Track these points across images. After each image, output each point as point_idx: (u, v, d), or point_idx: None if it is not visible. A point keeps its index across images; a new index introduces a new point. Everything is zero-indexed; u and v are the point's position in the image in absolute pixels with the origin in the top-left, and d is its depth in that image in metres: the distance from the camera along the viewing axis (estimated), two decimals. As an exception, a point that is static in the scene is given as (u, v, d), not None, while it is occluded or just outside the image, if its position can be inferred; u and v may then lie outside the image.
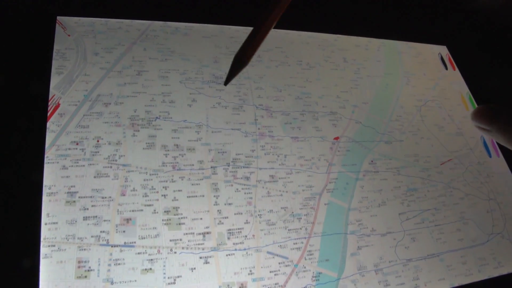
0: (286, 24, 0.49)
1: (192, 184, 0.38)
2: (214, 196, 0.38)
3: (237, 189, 0.39)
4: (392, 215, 0.43)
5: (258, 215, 0.38)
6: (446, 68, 0.56)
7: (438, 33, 0.58)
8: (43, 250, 0.32)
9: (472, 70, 0.57)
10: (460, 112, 0.53)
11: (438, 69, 0.56)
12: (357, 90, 0.49)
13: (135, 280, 0.33)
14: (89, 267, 0.32)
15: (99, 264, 0.33)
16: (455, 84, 0.55)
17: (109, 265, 0.33)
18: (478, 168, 0.50)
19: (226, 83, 0.31)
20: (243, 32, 0.48)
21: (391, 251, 0.41)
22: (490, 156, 0.51)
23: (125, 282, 0.33)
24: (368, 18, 0.54)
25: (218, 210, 0.37)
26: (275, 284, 0.36)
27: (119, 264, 0.33)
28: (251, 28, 0.48)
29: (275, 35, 0.49)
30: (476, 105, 0.54)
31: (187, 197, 0.37)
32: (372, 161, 0.45)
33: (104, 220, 0.34)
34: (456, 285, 0.42)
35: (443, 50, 0.58)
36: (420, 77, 0.54)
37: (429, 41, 0.57)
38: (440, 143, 0.50)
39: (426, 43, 0.58)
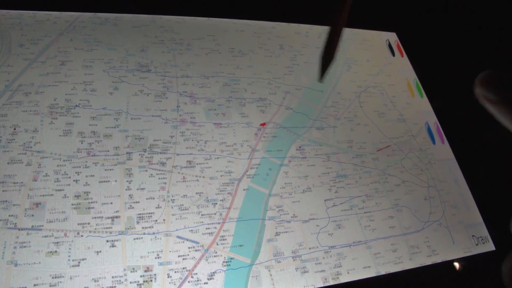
0: (220, 12, 0.50)
1: (106, 170, 0.38)
2: (127, 181, 0.38)
3: (151, 174, 0.39)
4: (317, 202, 0.42)
5: (171, 200, 0.38)
6: (393, 55, 0.55)
7: (388, 19, 0.56)
8: (-51, 233, 0.33)
9: (422, 57, 0.55)
10: (404, 98, 0.52)
11: (384, 55, 0.55)
12: (290, 76, 0.48)
13: (39, 262, 0.33)
14: (-6, 250, 0.33)
15: (4, 247, 0.33)
16: (401, 71, 0.54)
17: (15, 247, 0.34)
18: (419, 155, 0.48)
19: (321, 79, 0.34)
20: (174, 21, 0.48)
21: (312, 237, 0.40)
22: (434, 142, 0.50)
23: (29, 264, 0.33)
24: (310, 5, 0.54)
25: (129, 195, 0.37)
26: (183, 268, 0.36)
27: (24, 246, 0.34)
28: (183, 17, 0.48)
29: (207, 23, 0.49)
30: (423, 92, 0.53)
31: (99, 182, 0.37)
32: (300, 147, 0.44)
33: (14, 205, 0.35)
34: (383, 273, 0.41)
35: (392, 36, 0.56)
36: (363, 63, 0.53)
37: (378, 28, 0.56)
38: (379, 130, 0.48)
39: (375, 30, 0.56)
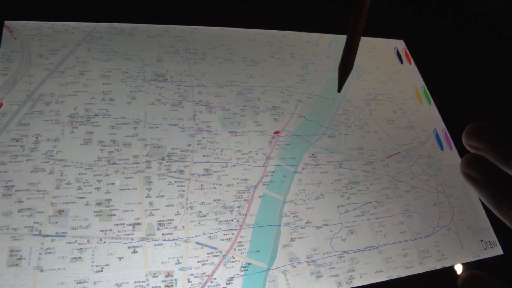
0: (234, 21, 0.51)
1: (126, 178, 0.39)
2: (147, 189, 0.39)
3: (170, 182, 0.40)
4: (330, 208, 0.43)
5: (190, 207, 0.39)
6: (402, 62, 0.56)
7: (396, 27, 0.57)
8: (-23, 240, 0.34)
9: (430, 64, 0.56)
10: (413, 105, 0.53)
11: (393, 63, 0.56)
12: (302, 85, 0.50)
13: (64, 268, 0.35)
14: (21, 256, 0.34)
15: (30, 253, 0.34)
16: (410, 78, 0.55)
17: (40, 254, 0.35)
18: (428, 161, 0.50)
19: (339, 90, 0.36)
20: (188, 31, 0.49)
21: (326, 243, 0.41)
22: (442, 149, 0.51)
23: (54, 270, 0.34)
24: (321, 14, 0.55)
25: (149, 202, 0.39)
26: (202, 273, 0.37)
27: (49, 253, 0.35)
28: (196, 27, 0.50)
29: (220, 33, 0.50)
30: (431, 99, 0.54)
31: (120, 189, 0.38)
32: (312, 154, 0.45)
33: (38, 212, 0.36)
34: (395, 277, 0.42)
35: (400, 44, 0.58)
36: (372, 71, 0.54)
37: (386, 36, 0.57)
38: (388, 137, 0.50)
39: (383, 38, 0.57)
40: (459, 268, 0.44)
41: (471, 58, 0.57)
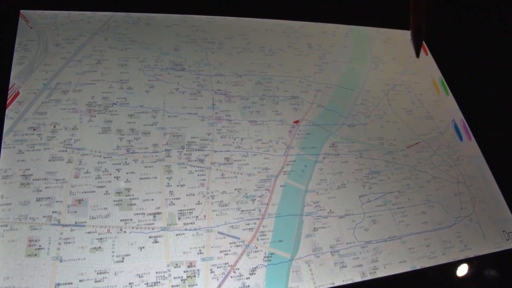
0: (250, 11, 0.50)
1: (145, 167, 0.38)
2: (167, 178, 0.38)
3: (190, 171, 0.39)
4: (352, 197, 0.42)
5: (211, 196, 0.38)
6: (418, 53, 0.56)
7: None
8: (-5, 229, 0.33)
9: (446, 55, 0.56)
10: (431, 96, 0.53)
11: (409, 54, 0.55)
12: (321, 75, 0.49)
13: (84, 258, 0.34)
14: (40, 246, 0.33)
15: (49, 243, 0.34)
16: (427, 69, 0.55)
17: (59, 243, 0.34)
18: (448, 151, 0.49)
19: (417, 55, 0.36)
20: (205, 21, 0.49)
21: (349, 233, 0.40)
22: (461, 139, 0.50)
23: (74, 260, 0.33)
24: (337, 5, 0.54)
25: (170, 191, 0.38)
26: (225, 263, 0.36)
27: (69, 243, 0.34)
28: (213, 17, 0.49)
29: (237, 22, 0.50)
30: (448, 90, 0.54)
31: (140, 179, 0.38)
32: (333, 144, 0.45)
33: (57, 201, 0.35)
34: (419, 267, 0.41)
35: (415, 35, 0.57)
36: (389, 62, 0.53)
37: (402, 27, 0.57)
38: (407, 127, 0.49)
39: (399, 29, 0.57)
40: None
41: (487, 48, 0.56)
